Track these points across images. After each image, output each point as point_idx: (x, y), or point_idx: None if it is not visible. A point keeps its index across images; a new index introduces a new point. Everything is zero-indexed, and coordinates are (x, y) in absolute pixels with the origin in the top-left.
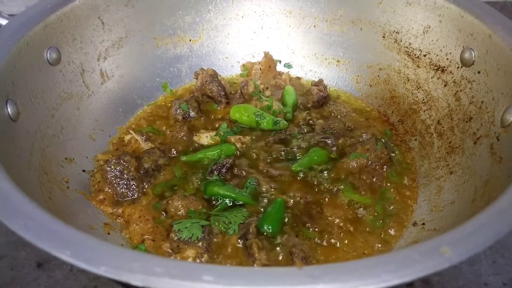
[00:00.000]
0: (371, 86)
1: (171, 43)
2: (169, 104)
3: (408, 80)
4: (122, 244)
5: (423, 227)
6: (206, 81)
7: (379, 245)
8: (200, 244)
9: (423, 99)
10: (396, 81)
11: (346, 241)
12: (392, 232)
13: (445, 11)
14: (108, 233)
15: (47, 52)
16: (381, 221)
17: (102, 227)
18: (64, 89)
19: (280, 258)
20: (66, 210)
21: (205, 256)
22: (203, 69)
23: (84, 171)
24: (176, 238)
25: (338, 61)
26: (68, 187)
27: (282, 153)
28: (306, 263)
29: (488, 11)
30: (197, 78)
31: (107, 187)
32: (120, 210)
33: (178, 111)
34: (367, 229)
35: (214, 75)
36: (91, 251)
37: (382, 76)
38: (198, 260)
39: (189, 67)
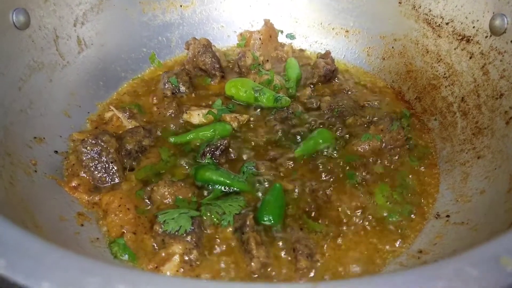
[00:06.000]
0: (384, 59)
1: (160, 8)
2: (157, 78)
3: (427, 52)
4: (98, 238)
5: (447, 220)
6: (199, 52)
7: (398, 240)
8: (188, 238)
9: (445, 74)
10: (413, 53)
11: (357, 235)
12: (411, 225)
13: None
14: (82, 225)
15: (13, 14)
16: (398, 213)
17: (74, 218)
18: (34, 58)
19: (282, 255)
20: (31, 198)
21: (194, 252)
22: (196, 38)
23: (56, 152)
24: (161, 231)
25: (347, 31)
26: (35, 171)
27: (284, 133)
28: (312, 260)
29: None
30: (188, 49)
31: (82, 171)
32: (97, 198)
33: (166, 86)
34: (383, 221)
35: (207, 46)
36: (31, 261)
37: (397, 47)
38: (186, 257)
39: (180, 37)
